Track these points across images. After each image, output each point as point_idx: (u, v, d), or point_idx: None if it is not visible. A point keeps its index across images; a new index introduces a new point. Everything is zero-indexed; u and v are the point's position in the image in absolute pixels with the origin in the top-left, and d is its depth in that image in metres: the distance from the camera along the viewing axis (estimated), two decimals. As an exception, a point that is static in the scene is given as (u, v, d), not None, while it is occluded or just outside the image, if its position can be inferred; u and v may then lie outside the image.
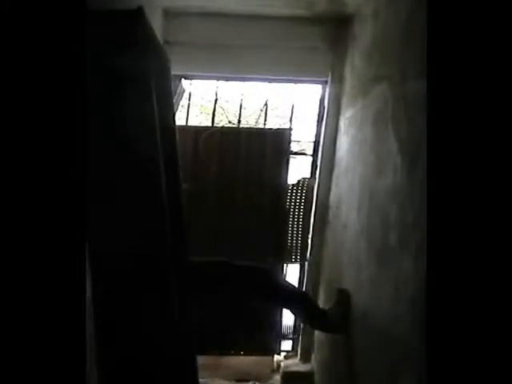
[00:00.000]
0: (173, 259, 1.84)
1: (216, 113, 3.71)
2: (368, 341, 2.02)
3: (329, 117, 3.31)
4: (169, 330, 1.82)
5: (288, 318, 3.66)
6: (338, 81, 3.24)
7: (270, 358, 3.62)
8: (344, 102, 3.13)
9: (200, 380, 2.55)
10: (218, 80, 3.62)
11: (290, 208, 3.66)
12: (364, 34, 2.66)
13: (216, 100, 3.68)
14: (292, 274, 3.73)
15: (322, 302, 3.28)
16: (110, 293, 1.68)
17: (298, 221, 3.61)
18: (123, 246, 1.65)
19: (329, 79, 3.31)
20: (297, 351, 3.61)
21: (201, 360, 2.65)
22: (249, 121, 5.39)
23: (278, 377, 3.48)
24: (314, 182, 3.49)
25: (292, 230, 3.62)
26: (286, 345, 3.70)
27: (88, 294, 1.60)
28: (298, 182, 3.70)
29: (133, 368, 1.74)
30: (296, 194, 3.71)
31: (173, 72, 2.45)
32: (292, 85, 3.60)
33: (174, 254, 1.90)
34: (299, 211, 3.63)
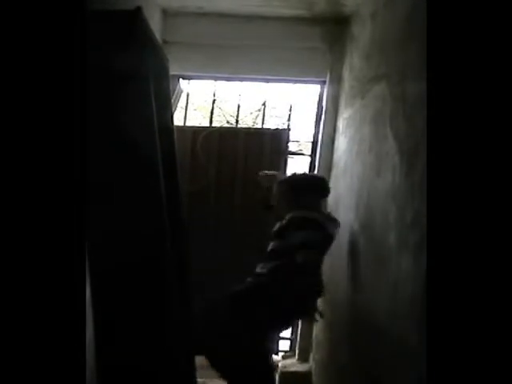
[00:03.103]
0: (172, 259, 1.84)
1: (214, 113, 3.71)
2: (367, 340, 2.02)
3: (327, 117, 3.32)
4: (167, 330, 1.82)
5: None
6: (336, 81, 3.24)
7: (268, 357, 3.62)
8: (342, 102, 3.13)
9: (198, 380, 2.55)
10: (215, 80, 3.62)
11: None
12: (362, 34, 2.67)
13: (214, 100, 3.68)
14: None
15: (321, 302, 3.28)
16: (109, 292, 1.68)
17: (296, 221, 3.61)
18: (122, 247, 1.65)
19: (327, 79, 3.32)
20: (295, 351, 3.60)
21: (199, 360, 2.65)
22: (247, 121, 5.39)
23: (276, 377, 3.47)
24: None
25: (290, 230, 3.61)
26: (284, 345, 3.70)
27: (87, 293, 1.60)
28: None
29: (131, 367, 1.74)
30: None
31: (171, 72, 2.45)
32: (290, 85, 3.60)
33: (174, 254, 1.90)
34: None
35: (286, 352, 3.67)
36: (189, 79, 3.54)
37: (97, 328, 1.66)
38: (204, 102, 5.81)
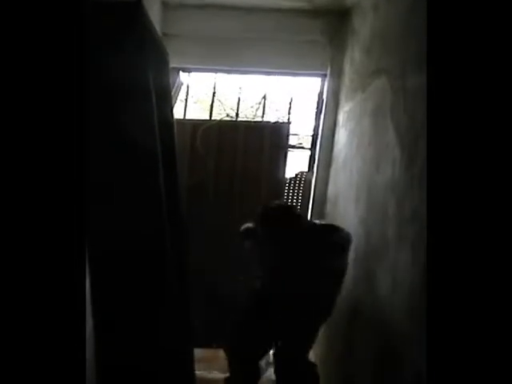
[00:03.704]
0: (172, 253, 1.83)
1: (214, 106, 3.70)
2: (366, 334, 2.03)
3: (327, 110, 3.31)
4: (166, 324, 1.82)
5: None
6: (337, 74, 3.23)
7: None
8: (343, 95, 3.12)
9: (197, 372, 2.56)
10: (216, 73, 3.60)
11: (287, 202, 3.65)
12: (364, 27, 2.65)
13: (214, 93, 3.66)
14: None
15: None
16: (108, 288, 1.67)
17: (295, 214, 3.61)
18: (122, 242, 1.64)
19: (328, 72, 3.31)
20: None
21: (198, 353, 2.65)
22: (247, 114, 5.37)
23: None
24: (312, 176, 3.49)
25: (290, 224, 3.60)
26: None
27: (87, 290, 1.59)
28: (296, 175, 3.70)
29: (130, 361, 1.74)
30: (294, 188, 3.71)
31: (171, 65, 2.44)
32: (291, 78, 3.59)
33: (173, 248, 1.89)
34: (297, 205, 3.63)
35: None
36: (189, 72, 3.53)
37: (96, 326, 1.65)
38: (204, 94, 5.79)
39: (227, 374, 2.47)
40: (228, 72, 3.61)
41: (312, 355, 3.24)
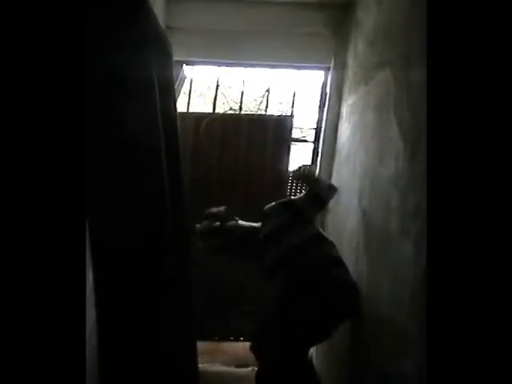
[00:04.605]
0: (174, 247, 1.84)
1: (217, 99, 3.70)
2: (367, 327, 2.03)
3: (331, 103, 3.31)
4: (169, 316, 1.83)
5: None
6: (340, 67, 3.22)
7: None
8: (346, 88, 3.11)
9: (200, 365, 2.58)
10: (219, 66, 3.60)
11: (290, 195, 3.66)
12: (367, 19, 2.64)
13: (217, 86, 3.66)
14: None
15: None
16: (110, 278, 1.67)
17: (298, 208, 3.61)
18: (125, 236, 1.64)
19: (331, 65, 3.30)
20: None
21: (201, 346, 2.67)
22: (250, 107, 5.37)
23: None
24: (315, 169, 3.49)
25: (293, 217, 3.60)
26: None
27: (87, 289, 1.58)
28: (299, 168, 3.69)
29: (133, 352, 1.74)
30: (297, 181, 3.70)
31: (174, 58, 2.44)
32: (294, 71, 3.58)
33: (176, 241, 1.90)
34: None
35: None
36: (192, 65, 3.52)
37: (98, 321, 1.65)
38: (207, 88, 5.79)
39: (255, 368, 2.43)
40: (231, 65, 3.60)
41: (312, 355, 3.26)
